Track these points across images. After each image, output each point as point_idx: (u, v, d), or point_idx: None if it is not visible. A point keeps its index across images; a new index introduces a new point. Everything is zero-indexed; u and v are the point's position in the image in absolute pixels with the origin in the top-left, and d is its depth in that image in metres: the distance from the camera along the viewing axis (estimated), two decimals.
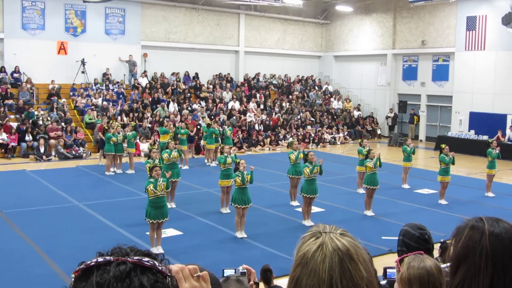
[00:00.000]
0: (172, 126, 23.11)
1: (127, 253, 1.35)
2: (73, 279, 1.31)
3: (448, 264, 2.09)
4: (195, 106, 30.05)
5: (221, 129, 23.85)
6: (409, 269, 2.77)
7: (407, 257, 2.88)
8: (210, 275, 1.81)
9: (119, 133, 20.51)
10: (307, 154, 13.92)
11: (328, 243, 1.65)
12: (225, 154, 14.90)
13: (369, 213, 14.79)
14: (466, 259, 1.96)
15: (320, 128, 31.66)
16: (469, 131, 29.04)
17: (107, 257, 1.32)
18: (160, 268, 1.32)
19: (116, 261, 1.30)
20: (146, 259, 1.32)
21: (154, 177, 11.21)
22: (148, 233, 11.58)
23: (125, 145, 20.80)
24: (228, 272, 2.98)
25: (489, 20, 28.45)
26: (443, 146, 16.90)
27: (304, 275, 1.64)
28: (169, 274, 1.35)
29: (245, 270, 2.99)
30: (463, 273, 1.96)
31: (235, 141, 26.38)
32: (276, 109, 32.95)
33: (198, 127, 26.49)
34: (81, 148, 24.33)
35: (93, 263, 1.31)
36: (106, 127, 21.11)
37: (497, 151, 17.73)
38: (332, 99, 36.46)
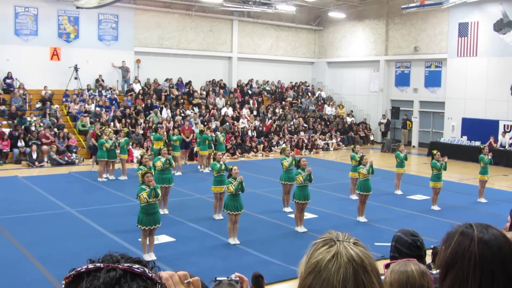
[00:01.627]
0: (164, 132, 23.09)
1: (118, 260, 1.36)
2: (63, 286, 1.32)
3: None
4: (188, 112, 30.03)
5: (213, 135, 23.84)
6: (392, 273, 2.81)
7: (393, 263, 2.92)
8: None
9: (111, 139, 20.48)
10: (300, 161, 13.92)
11: (342, 253, 1.63)
12: (218, 161, 14.89)
13: (362, 219, 14.80)
14: (455, 265, 1.96)
15: (313, 134, 31.71)
16: (461, 137, 29.17)
17: (98, 264, 1.32)
18: (150, 274, 1.33)
19: (106, 267, 1.31)
20: (136, 266, 1.33)
21: (147, 184, 11.17)
22: (140, 239, 11.55)
23: (117, 151, 20.76)
24: (221, 279, 2.98)
25: (481, 26, 28.61)
26: (434, 152, 16.97)
27: (316, 283, 1.62)
28: (159, 281, 1.35)
29: (238, 278, 2.99)
30: (451, 279, 1.97)
31: (228, 147, 26.39)
32: (269, 115, 32.98)
33: (193, 133, 26.50)
34: (73, 154, 24.25)
35: (84, 270, 1.31)
36: (99, 133, 21.07)
37: (489, 157, 17.81)
38: (325, 105, 36.54)
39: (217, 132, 24.87)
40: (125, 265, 1.32)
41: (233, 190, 12.21)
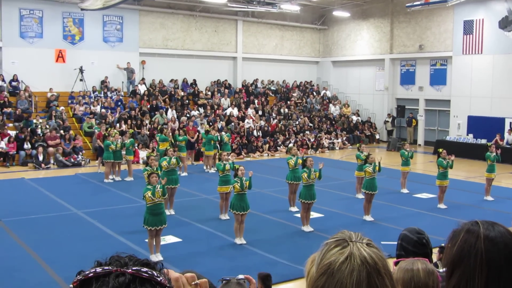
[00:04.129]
0: (170, 133, 23.11)
1: (126, 263, 1.34)
2: None
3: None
4: (193, 112, 30.05)
5: (219, 135, 23.84)
6: (398, 271, 2.82)
7: (402, 260, 2.92)
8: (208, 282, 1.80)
9: (117, 140, 20.51)
10: (306, 160, 13.89)
11: (356, 255, 1.59)
12: (223, 161, 14.90)
13: (368, 218, 14.78)
14: (461, 262, 1.96)
15: (319, 134, 31.67)
16: (467, 135, 29.09)
17: (106, 268, 1.31)
18: (158, 279, 1.32)
19: (115, 272, 1.30)
20: (145, 269, 1.31)
21: (152, 184, 11.22)
22: (147, 240, 11.57)
23: (123, 152, 20.80)
24: (228, 279, 2.99)
25: (486, 24, 28.53)
26: (440, 150, 16.93)
27: (329, 286, 1.58)
28: (168, 284, 1.34)
29: (245, 278, 2.98)
30: (458, 277, 1.96)
31: (233, 147, 26.38)
32: (275, 115, 32.96)
33: (197, 133, 26.51)
34: (79, 156, 24.29)
35: (92, 274, 1.30)
36: (107, 134, 21.11)
37: (495, 155, 17.75)
38: (330, 104, 36.49)
39: (222, 132, 24.88)
40: (134, 269, 1.30)
41: (239, 188, 12.22)
